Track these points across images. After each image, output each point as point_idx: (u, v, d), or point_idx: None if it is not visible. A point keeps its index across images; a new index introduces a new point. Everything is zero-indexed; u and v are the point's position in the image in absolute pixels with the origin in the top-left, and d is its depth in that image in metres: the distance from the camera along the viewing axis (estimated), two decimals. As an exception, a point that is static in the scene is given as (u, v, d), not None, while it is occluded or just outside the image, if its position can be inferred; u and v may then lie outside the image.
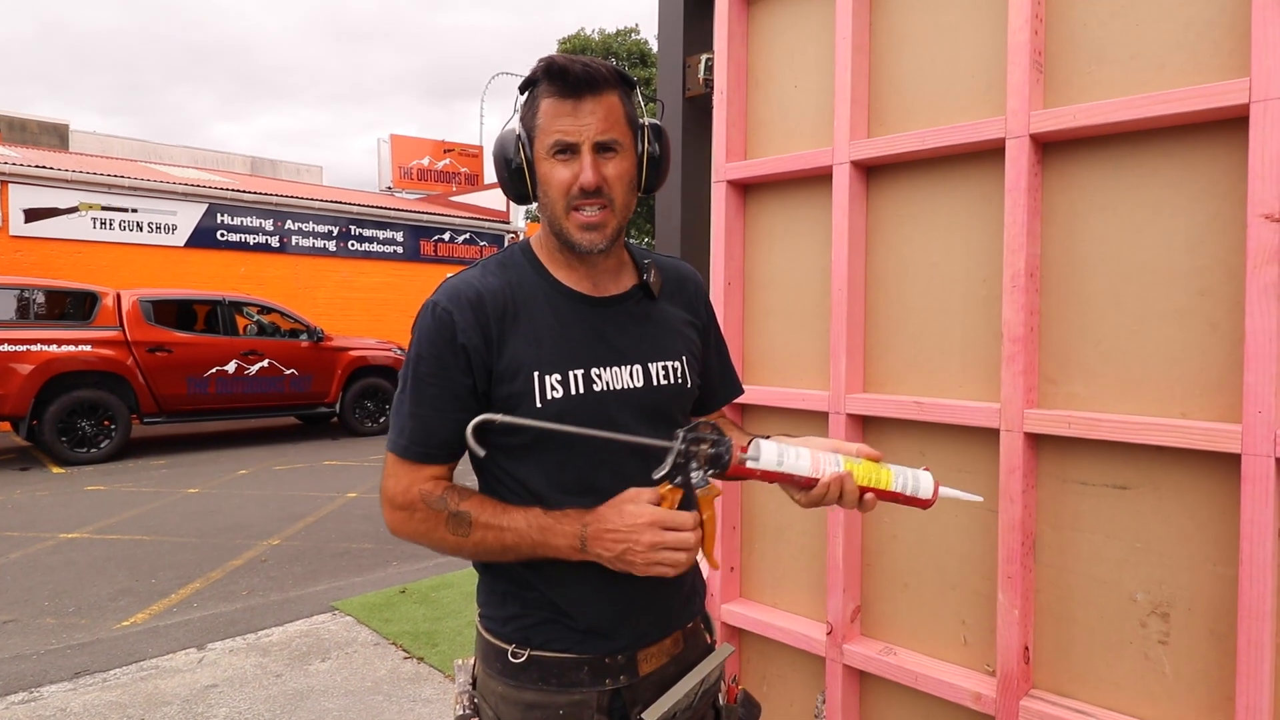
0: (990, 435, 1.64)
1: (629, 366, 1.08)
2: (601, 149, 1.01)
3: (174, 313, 9.04)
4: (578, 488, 1.03)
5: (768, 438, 1.02)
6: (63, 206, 10.81)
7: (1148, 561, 1.46)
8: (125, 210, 11.37)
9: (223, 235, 12.36)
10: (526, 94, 1.05)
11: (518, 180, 1.04)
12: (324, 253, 13.52)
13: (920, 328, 1.78)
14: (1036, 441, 1.58)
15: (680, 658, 1.14)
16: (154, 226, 11.66)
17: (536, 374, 1.02)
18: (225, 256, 12.37)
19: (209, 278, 12.01)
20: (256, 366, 9.05)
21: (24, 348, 7.59)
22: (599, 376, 1.05)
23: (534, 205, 1.11)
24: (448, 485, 1.04)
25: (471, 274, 1.08)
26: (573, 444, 1.00)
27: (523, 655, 1.06)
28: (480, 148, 22.32)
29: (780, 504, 2.07)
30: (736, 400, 1.70)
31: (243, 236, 12.60)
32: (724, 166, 2.09)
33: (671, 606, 1.13)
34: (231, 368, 8.87)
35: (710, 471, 0.94)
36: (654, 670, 1.10)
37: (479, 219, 16.44)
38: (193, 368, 8.61)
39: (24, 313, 7.93)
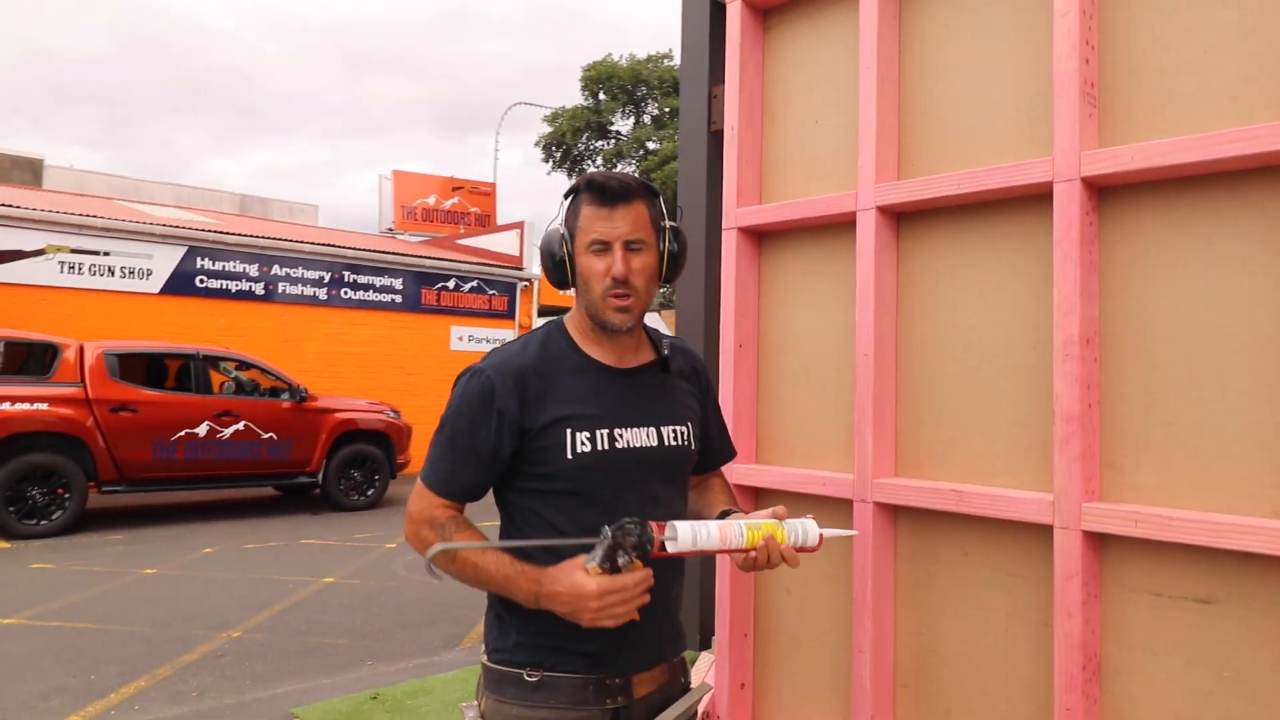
0: (1042, 533, 1.57)
1: (646, 428, 1.42)
2: (630, 247, 1.37)
3: (142, 368, 9.20)
4: (596, 528, 1.29)
5: (723, 515, 1.41)
6: (28, 249, 11.20)
7: (1240, 695, 1.36)
8: (96, 253, 11.73)
9: (202, 281, 12.66)
10: (570, 200, 1.41)
11: (560, 270, 1.40)
12: (314, 301, 13.78)
13: (959, 402, 1.73)
14: (1098, 542, 1.50)
15: (666, 687, 1.46)
16: (127, 271, 11.99)
17: (569, 430, 1.36)
18: (204, 305, 12.64)
19: (186, 328, 12.26)
20: (231, 429, 9.13)
21: (-28, 405, 7.77)
22: (620, 435, 1.39)
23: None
24: (454, 516, 1.38)
25: (515, 348, 1.43)
26: (597, 494, 1.36)
27: (537, 676, 1.36)
28: (493, 185, 22.85)
29: (798, 610, 2.00)
30: (751, 483, 1.95)
31: (224, 283, 12.89)
32: (734, 212, 2.09)
33: (662, 641, 1.45)
34: (203, 430, 8.96)
35: (635, 554, 1.24)
36: (646, 695, 1.42)
37: (489, 264, 16.69)
38: (159, 430, 8.71)
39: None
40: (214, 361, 9.71)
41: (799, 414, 2.01)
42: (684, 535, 1.23)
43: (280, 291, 13.51)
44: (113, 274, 11.95)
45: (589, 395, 1.39)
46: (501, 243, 17.92)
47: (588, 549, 1.25)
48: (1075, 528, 1.48)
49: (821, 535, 1.34)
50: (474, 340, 16.11)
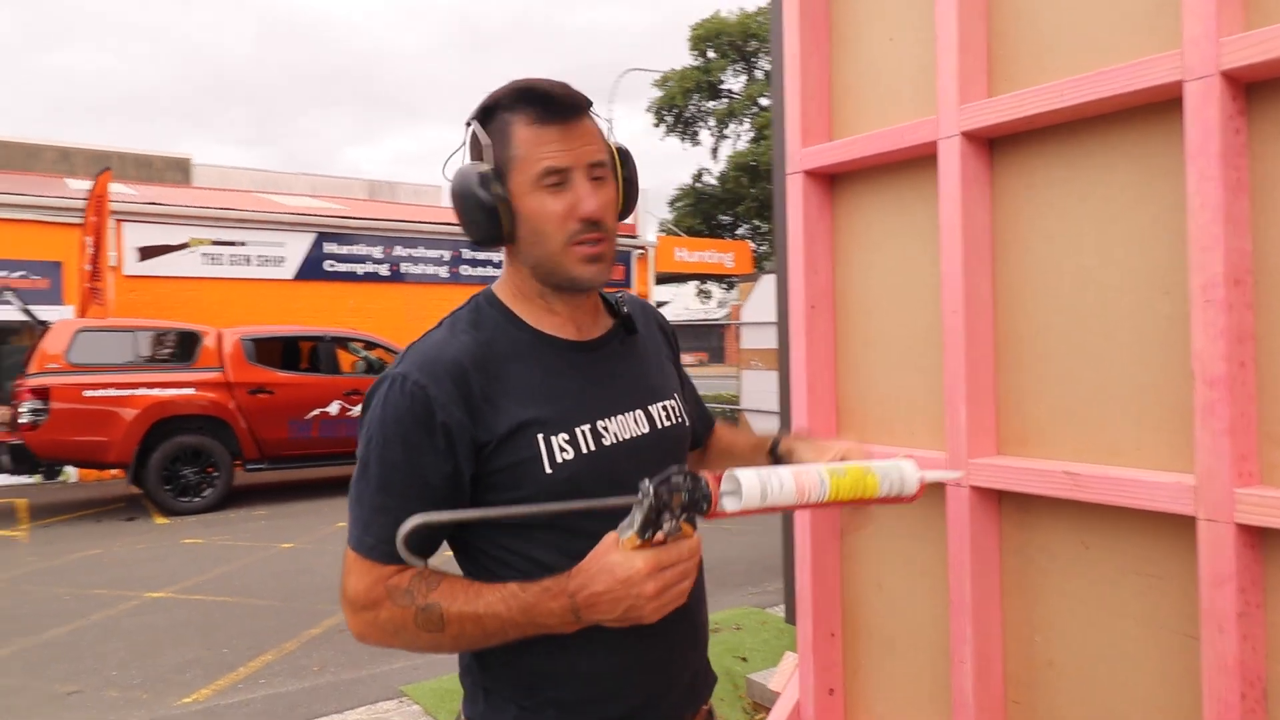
0: (1183, 525, 1.25)
1: (631, 413, 1.11)
2: (594, 175, 1.05)
3: (276, 351, 9.64)
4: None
5: (774, 453, 1.18)
6: (174, 243, 11.92)
7: None
8: (234, 244, 12.38)
9: (330, 265, 13.17)
10: (486, 121, 1.06)
11: (492, 220, 1.04)
12: (436, 280, 14.10)
13: (1073, 362, 1.41)
14: (1257, 538, 1.18)
15: None
16: (262, 259, 12.60)
17: (541, 436, 1.03)
18: (334, 288, 13.16)
19: (317, 311, 12.81)
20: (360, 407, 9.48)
21: (127, 392, 8.33)
22: (605, 429, 1.08)
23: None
24: (415, 573, 1.02)
25: (438, 337, 1.07)
26: (587, 513, 1.00)
27: None
28: (607, 153, 22.74)
29: (890, 607, 1.73)
30: None
31: (351, 266, 13.37)
32: (799, 153, 1.81)
33: (697, 678, 1.17)
34: (334, 409, 9.31)
35: (685, 518, 0.94)
36: None
37: (604, 233, 16.63)
38: (294, 409, 9.11)
39: (129, 355, 8.72)
40: (342, 342, 10.07)
41: (882, 383, 1.73)
42: (750, 488, 0.93)
43: (404, 272, 13.90)
44: (249, 262, 12.58)
45: (554, 384, 1.06)
46: (615, 211, 17.79)
47: (612, 525, 0.95)
48: (1226, 520, 1.16)
49: (922, 481, 1.03)
50: (593, 309, 16.17)
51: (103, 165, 13.91)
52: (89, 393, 8.23)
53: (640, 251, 16.95)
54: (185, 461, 8.71)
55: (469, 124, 1.07)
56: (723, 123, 25.75)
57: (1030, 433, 1.48)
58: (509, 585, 0.98)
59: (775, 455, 1.20)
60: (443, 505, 1.01)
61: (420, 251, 14.19)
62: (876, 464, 1.02)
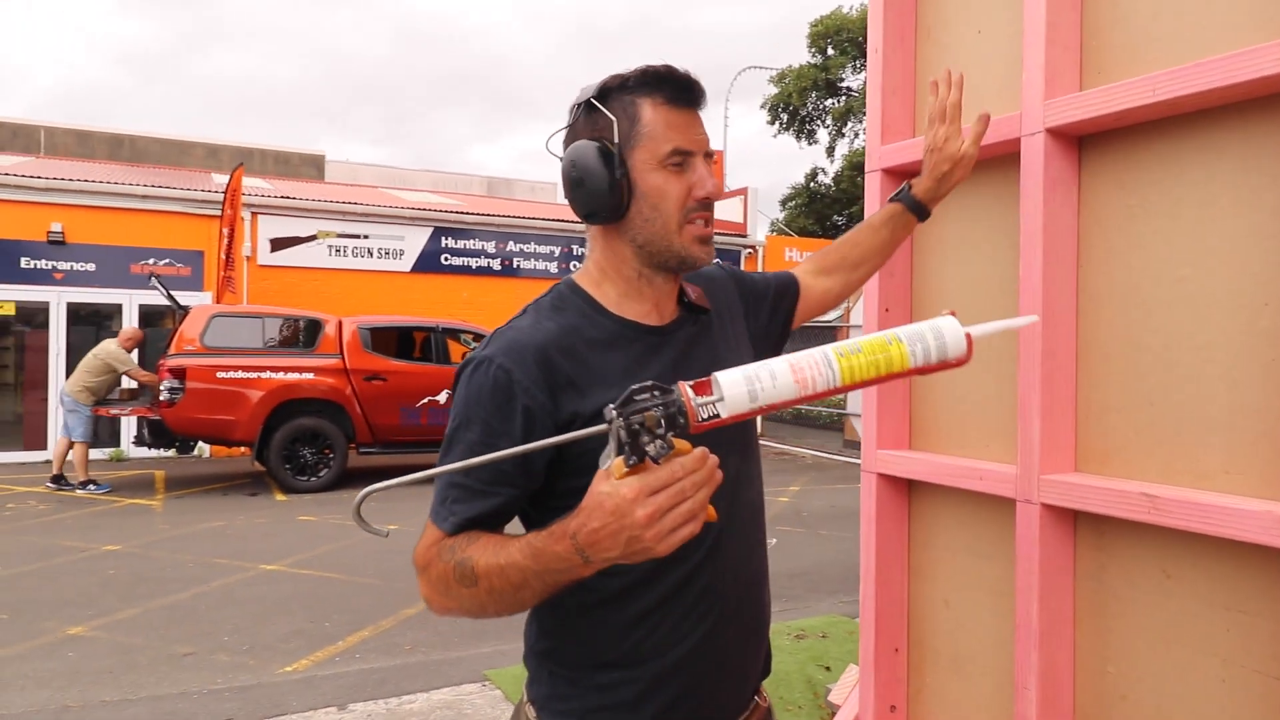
0: (1274, 559, 1.14)
1: None
2: (709, 160, 1.10)
3: (391, 340, 10.04)
4: (643, 565, 0.95)
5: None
6: (303, 235, 12.59)
7: None
8: (357, 237, 12.98)
9: (446, 259, 13.63)
10: (613, 99, 1.08)
11: (614, 193, 1.07)
12: (547, 275, 14.39)
13: (1161, 377, 1.31)
14: (1357, 577, 1.06)
15: None
16: (383, 252, 13.17)
17: None
18: (449, 281, 13.62)
19: (433, 303, 13.28)
20: (467, 396, 9.75)
21: (255, 375, 8.85)
22: None
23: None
24: (465, 535, 1.03)
25: (524, 322, 1.10)
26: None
27: None
28: (720, 153, 22.64)
29: (958, 626, 1.66)
30: (900, 473, 1.70)
31: (466, 260, 13.80)
32: (879, 151, 1.75)
33: (749, 666, 1.16)
34: (443, 398, 9.63)
35: (670, 435, 0.85)
36: None
37: (716, 231, 16.57)
38: (406, 397, 9.48)
39: (258, 340, 9.27)
40: (454, 334, 10.39)
41: (957, 392, 1.65)
42: (733, 390, 0.85)
43: (516, 267, 14.23)
44: (371, 255, 13.15)
45: (635, 370, 1.06)
46: (726, 210, 17.73)
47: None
48: (1320, 556, 1.06)
49: (970, 337, 0.88)
50: (700, 306, 16.15)
51: (244, 161, 14.81)
52: (221, 374, 8.78)
53: (749, 251, 16.82)
54: (304, 442, 9.17)
55: (581, 104, 1.09)
56: (841, 120, 25.21)
57: (1112, 451, 1.38)
58: (528, 535, 0.97)
59: (910, 203, 1.31)
60: (514, 486, 1.04)
61: (532, 247, 14.50)
62: (903, 330, 0.90)
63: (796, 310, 1.35)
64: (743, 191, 17.55)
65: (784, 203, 26.98)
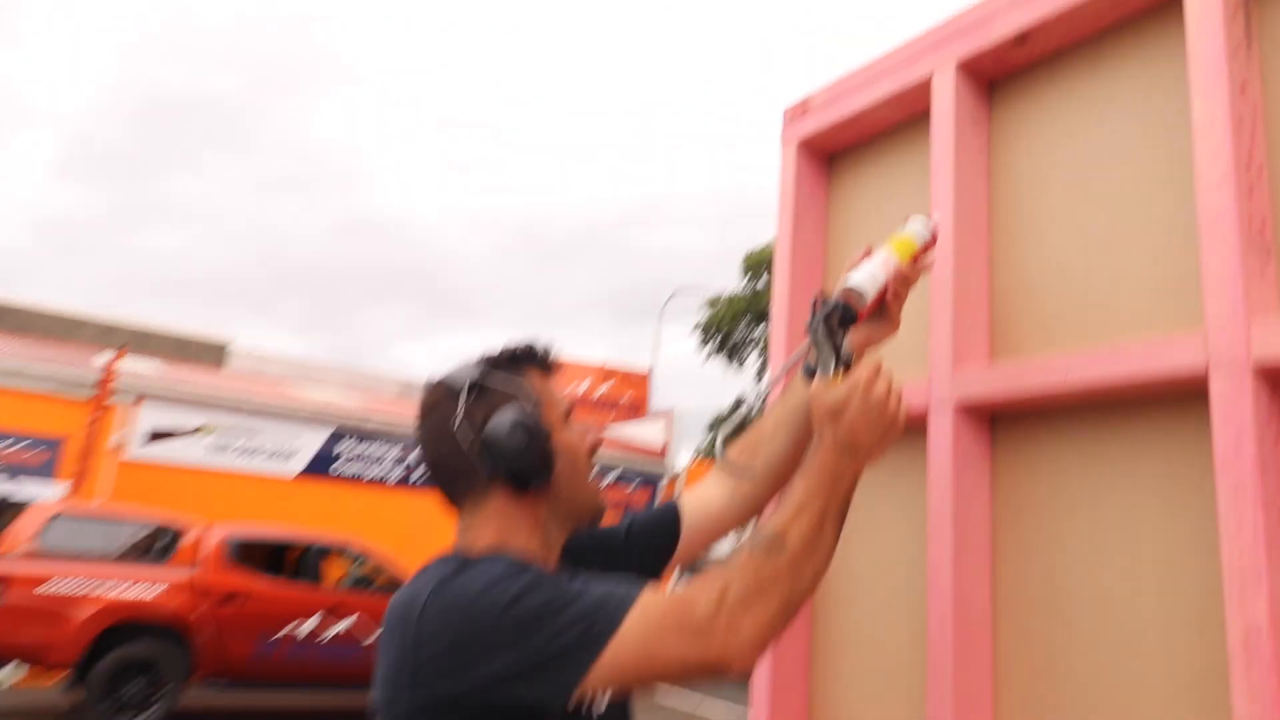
0: None
1: None
2: None
3: (262, 554, 9.37)
4: None
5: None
6: (187, 427, 12.10)
7: None
8: (246, 433, 12.53)
9: (341, 465, 13.18)
10: (508, 371, 1.18)
11: (549, 454, 1.14)
12: (451, 489, 14.00)
13: (1091, 701, 1.17)
14: None
15: None
16: (272, 452, 12.68)
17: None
18: (342, 490, 13.08)
19: (320, 513, 12.64)
20: (337, 627, 9.01)
21: (86, 589, 8.06)
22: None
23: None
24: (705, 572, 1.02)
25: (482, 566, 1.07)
26: None
27: None
28: (646, 372, 23.19)
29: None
30: None
31: (362, 468, 13.38)
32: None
33: None
34: (308, 628, 8.88)
35: (847, 333, 1.15)
36: None
37: (634, 455, 16.57)
38: (266, 623, 8.66)
39: (104, 547, 8.54)
40: (334, 551, 9.81)
41: (864, 691, 1.48)
42: (867, 283, 1.21)
43: (417, 478, 13.84)
44: (257, 455, 12.66)
45: None
46: (647, 433, 17.86)
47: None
48: None
49: (935, 225, 1.32)
50: (615, 537, 15.79)
51: (141, 343, 14.48)
52: (44, 587, 8.00)
53: (669, 478, 16.76)
54: (135, 671, 8.28)
55: (471, 384, 1.14)
56: (765, 348, 26.30)
57: (1040, 795, 1.21)
58: (798, 480, 1.06)
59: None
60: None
61: (437, 458, 14.19)
62: (902, 229, 1.30)
63: (677, 546, 1.32)
64: (667, 414, 17.78)
65: (711, 427, 27.44)
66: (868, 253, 1.27)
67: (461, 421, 1.12)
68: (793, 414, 1.30)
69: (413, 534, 13.02)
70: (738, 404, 26.40)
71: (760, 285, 25.53)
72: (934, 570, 1.30)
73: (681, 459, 17.00)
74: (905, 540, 1.44)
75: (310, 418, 13.16)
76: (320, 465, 13.12)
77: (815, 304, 1.14)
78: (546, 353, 1.23)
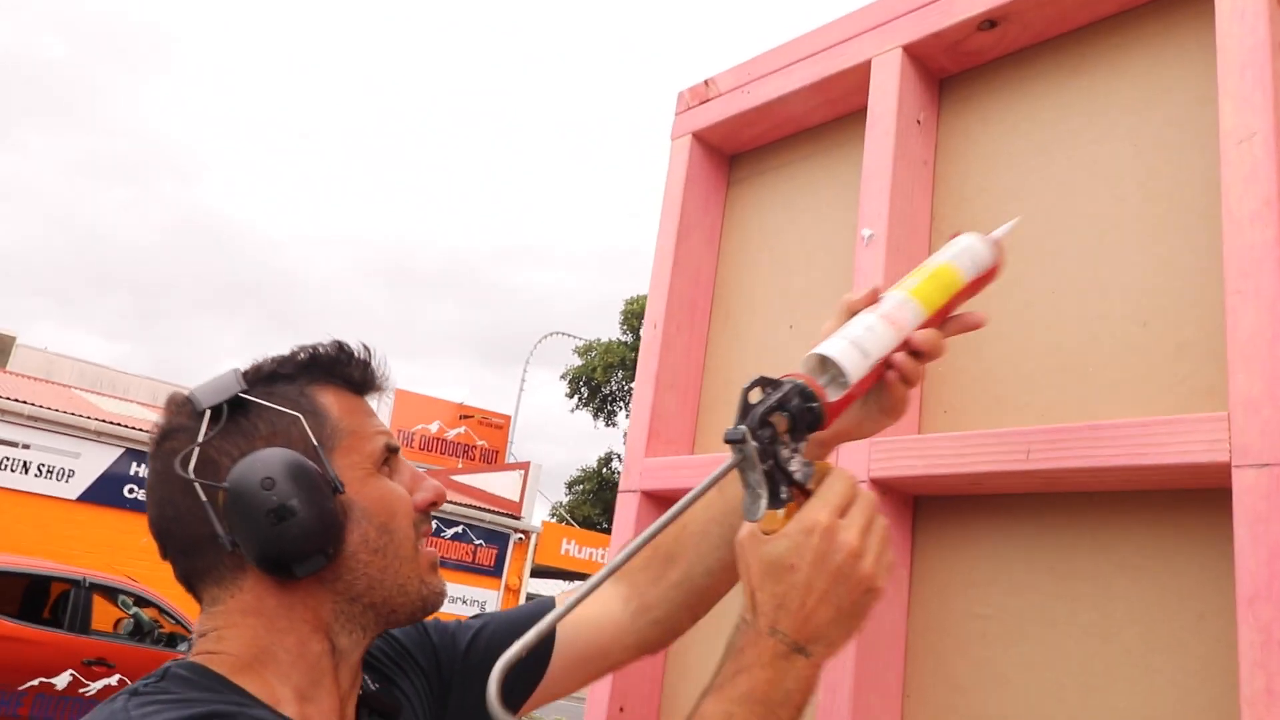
0: None
1: None
2: None
3: (16, 593, 8.44)
4: None
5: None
6: (-56, 433, 10.90)
7: None
8: (15, 445, 11.35)
9: (131, 491, 12.12)
10: (267, 394, 0.86)
11: (335, 520, 0.82)
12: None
13: None
14: None
15: None
16: (46, 470, 11.52)
17: None
18: (128, 519, 12.01)
19: (100, 544, 11.59)
20: (100, 684, 8.16)
21: None
22: None
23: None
24: None
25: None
26: None
27: None
28: (507, 417, 22.71)
29: None
30: None
31: (158, 495, 12.40)
32: (641, 465, 1.38)
33: None
34: (63, 681, 8.00)
35: (805, 442, 0.77)
36: None
37: (484, 508, 16.03)
38: (9, 675, 7.79)
39: None
40: (107, 592, 8.93)
41: None
42: (846, 356, 0.81)
43: (225, 513, 12.94)
44: (27, 471, 11.52)
45: None
46: (501, 484, 17.35)
47: None
48: None
49: (1000, 244, 0.94)
50: (449, 601, 15.26)
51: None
52: None
53: (520, 537, 16.32)
54: None
55: (222, 404, 0.83)
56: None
57: None
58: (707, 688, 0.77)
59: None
60: None
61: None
62: (935, 257, 0.92)
63: (544, 674, 1.01)
64: (524, 465, 17.34)
65: (570, 485, 27.09)
66: (873, 298, 0.89)
67: (198, 463, 0.81)
68: (732, 512, 0.94)
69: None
70: (607, 460, 26.20)
71: (639, 336, 25.58)
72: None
73: (537, 517, 16.56)
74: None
75: (98, 433, 12.08)
76: (106, 489, 12.04)
77: (750, 389, 0.77)
78: (361, 363, 0.92)
